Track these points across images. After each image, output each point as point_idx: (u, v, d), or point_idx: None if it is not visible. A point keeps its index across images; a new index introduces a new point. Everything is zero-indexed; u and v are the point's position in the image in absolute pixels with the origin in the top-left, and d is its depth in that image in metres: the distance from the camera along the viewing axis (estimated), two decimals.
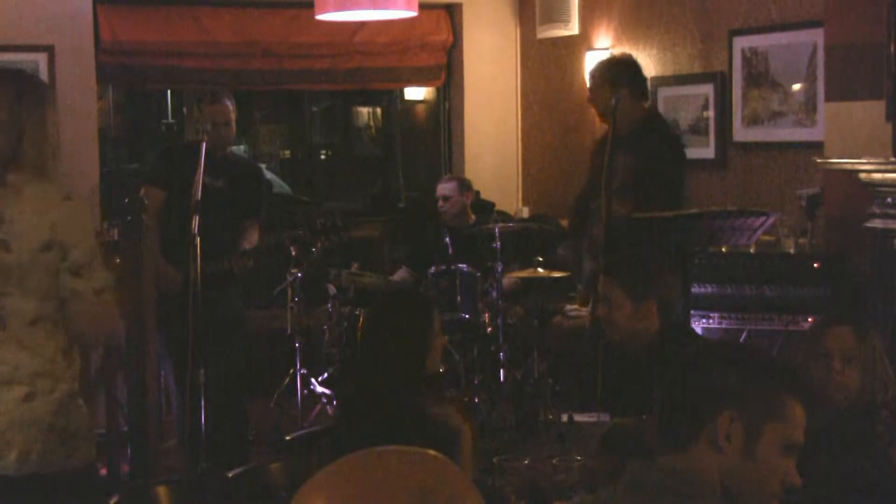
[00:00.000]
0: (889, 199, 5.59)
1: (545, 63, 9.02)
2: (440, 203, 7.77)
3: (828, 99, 6.24)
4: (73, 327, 3.44)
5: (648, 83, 7.83)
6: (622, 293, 4.19)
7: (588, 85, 6.13)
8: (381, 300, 4.50)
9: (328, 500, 1.50)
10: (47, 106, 3.52)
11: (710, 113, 7.41)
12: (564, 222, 7.76)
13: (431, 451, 1.58)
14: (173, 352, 5.86)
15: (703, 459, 2.29)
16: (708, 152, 7.44)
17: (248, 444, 6.35)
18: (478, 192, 8.26)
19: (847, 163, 5.83)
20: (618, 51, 8.11)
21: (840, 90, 6.10)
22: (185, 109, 10.95)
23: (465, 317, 7.04)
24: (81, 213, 3.48)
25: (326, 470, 1.56)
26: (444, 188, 7.81)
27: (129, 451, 5.72)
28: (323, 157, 13.22)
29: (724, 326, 6.06)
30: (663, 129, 5.96)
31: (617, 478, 2.35)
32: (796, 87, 6.81)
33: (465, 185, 7.87)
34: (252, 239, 6.33)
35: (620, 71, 5.99)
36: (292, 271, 7.24)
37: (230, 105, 6.10)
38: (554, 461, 3.38)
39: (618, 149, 5.84)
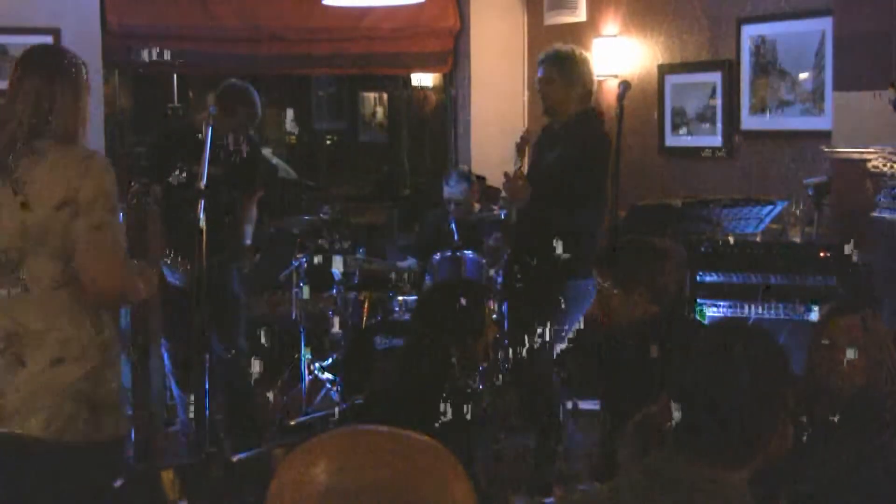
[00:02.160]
0: None
1: None
2: (452, 207, 7.71)
3: (836, 88, 6.22)
4: (84, 283, 3.44)
5: (656, 70, 7.85)
6: (611, 283, 4.19)
7: (542, 73, 6.06)
8: (438, 286, 4.57)
9: (314, 467, 1.50)
10: (81, 81, 3.61)
11: (718, 101, 7.39)
12: None
13: (427, 437, 1.58)
14: (172, 336, 5.88)
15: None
16: (715, 140, 7.42)
17: (260, 427, 6.35)
18: (483, 178, 8.24)
19: (855, 152, 5.81)
20: (620, 38, 8.10)
21: (848, 79, 6.08)
22: (190, 94, 10.93)
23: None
24: (97, 169, 3.50)
25: (318, 439, 1.55)
26: (455, 191, 7.74)
27: (132, 436, 5.73)
28: (329, 142, 13.20)
29: (729, 315, 6.05)
30: (597, 126, 5.94)
31: (637, 466, 2.32)
32: (804, 75, 6.79)
33: (472, 182, 7.84)
34: (251, 215, 6.42)
35: (580, 70, 5.98)
36: (298, 256, 7.24)
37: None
38: (558, 448, 3.38)
39: (553, 143, 5.90)
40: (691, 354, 2.30)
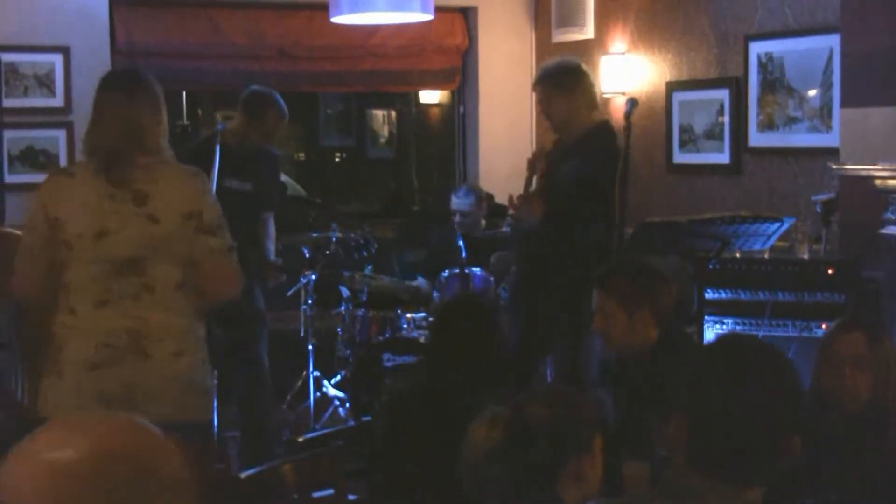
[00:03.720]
0: None
1: None
2: (458, 218, 7.73)
3: (843, 105, 6.22)
4: (204, 285, 3.90)
5: (664, 87, 7.86)
6: (615, 305, 4.18)
7: (540, 93, 6.01)
8: (450, 304, 4.58)
9: (35, 465, 1.52)
10: (161, 100, 4.00)
11: (726, 118, 7.39)
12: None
13: (153, 428, 1.60)
14: None
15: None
16: (723, 157, 7.42)
17: (270, 444, 6.36)
18: (491, 196, 8.25)
19: (862, 169, 5.81)
20: (628, 56, 8.11)
21: (856, 96, 6.08)
22: (199, 111, 10.96)
23: None
24: (208, 186, 4.00)
25: (38, 432, 1.57)
26: (462, 203, 7.76)
27: None
28: (337, 159, 13.23)
29: (739, 332, 6.05)
30: (611, 139, 5.88)
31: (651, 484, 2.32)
32: (812, 92, 6.80)
33: (481, 198, 7.85)
34: (271, 232, 6.49)
35: (576, 79, 5.94)
36: (306, 273, 7.25)
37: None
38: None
39: (567, 157, 5.84)
40: (703, 371, 2.29)
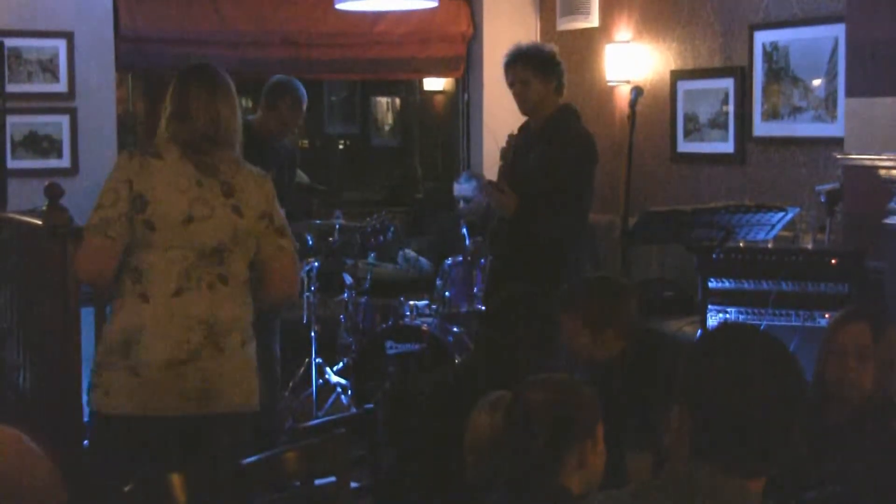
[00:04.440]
0: None
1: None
2: (461, 204, 7.73)
3: (848, 94, 6.20)
4: (269, 284, 3.98)
5: (668, 76, 7.85)
6: (580, 324, 4.15)
7: (516, 74, 5.91)
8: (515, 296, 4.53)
9: None
10: (234, 94, 4.01)
11: (730, 107, 7.39)
12: None
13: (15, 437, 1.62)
14: None
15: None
16: (727, 147, 7.42)
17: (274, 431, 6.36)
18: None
19: (867, 158, 5.80)
20: (632, 44, 8.09)
21: (861, 86, 6.06)
22: None
23: (482, 308, 7.04)
24: (275, 191, 4.05)
25: None
26: (464, 189, 7.77)
27: None
28: (341, 146, 13.21)
29: (740, 322, 6.04)
30: (576, 123, 5.86)
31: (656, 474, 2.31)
32: (817, 82, 6.79)
33: (484, 186, 7.84)
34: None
35: (553, 65, 5.89)
36: (309, 260, 7.25)
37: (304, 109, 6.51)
38: None
39: (534, 143, 5.82)
40: (704, 361, 2.29)
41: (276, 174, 6.28)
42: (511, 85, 5.96)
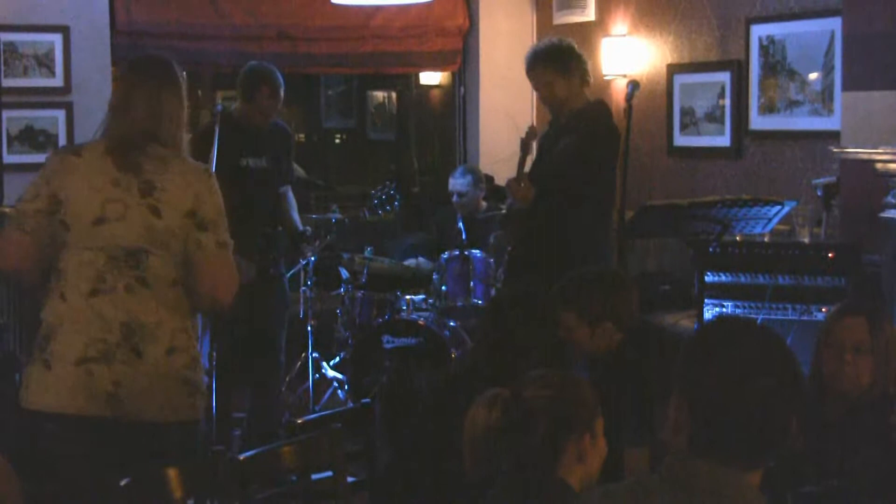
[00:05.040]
0: None
1: None
2: (455, 198, 7.74)
3: (845, 88, 6.20)
4: (196, 285, 3.75)
5: (665, 70, 7.84)
6: (576, 318, 4.15)
7: (537, 75, 5.95)
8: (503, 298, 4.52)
9: None
10: (184, 92, 3.89)
11: (727, 101, 7.38)
12: None
13: None
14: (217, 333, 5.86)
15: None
16: (724, 140, 7.41)
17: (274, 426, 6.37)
18: (491, 178, 8.25)
19: (863, 152, 5.80)
20: (629, 38, 8.09)
21: (857, 80, 6.06)
22: (199, 92, 10.93)
23: (478, 302, 7.05)
24: (216, 186, 3.83)
25: None
26: (459, 184, 7.79)
27: None
28: (337, 140, 13.21)
29: (737, 315, 6.04)
30: (607, 117, 5.86)
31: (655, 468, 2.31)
32: (813, 75, 6.78)
33: (478, 178, 7.85)
34: (293, 204, 6.51)
35: (574, 59, 5.90)
36: (307, 254, 7.25)
37: (282, 95, 6.34)
38: None
39: (562, 135, 5.82)
40: (700, 354, 2.29)
41: (272, 160, 6.32)
42: (536, 89, 5.98)
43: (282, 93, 6.30)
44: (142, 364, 3.68)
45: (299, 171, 9.96)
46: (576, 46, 5.99)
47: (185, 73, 3.96)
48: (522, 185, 5.71)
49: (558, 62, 5.86)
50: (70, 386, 3.66)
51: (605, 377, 4.06)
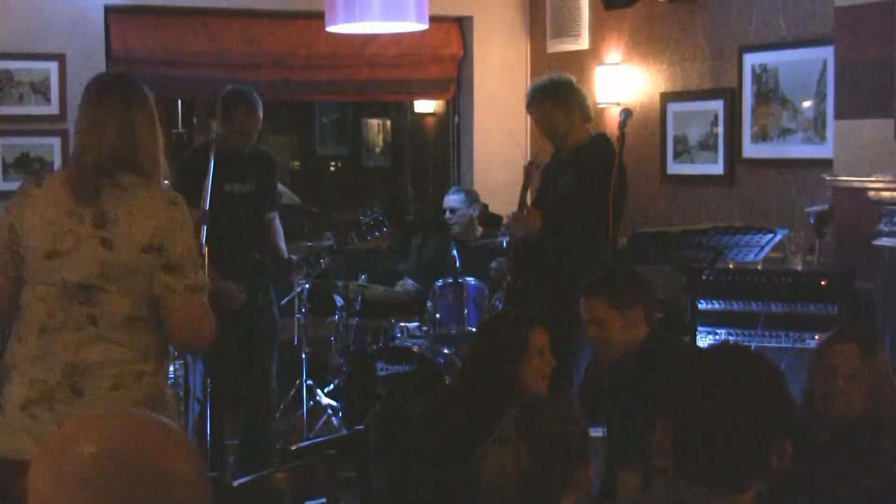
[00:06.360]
0: None
1: None
2: (447, 214, 7.79)
3: (837, 116, 6.24)
4: (168, 329, 3.50)
5: (658, 98, 7.87)
6: (606, 307, 4.20)
7: (537, 110, 6.02)
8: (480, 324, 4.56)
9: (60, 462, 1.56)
10: (154, 111, 3.64)
11: (720, 129, 7.41)
12: None
13: (164, 419, 1.63)
14: (209, 360, 5.83)
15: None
16: (717, 168, 7.44)
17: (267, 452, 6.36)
18: (486, 206, 8.27)
19: (856, 180, 5.83)
20: (622, 66, 8.12)
21: (850, 108, 6.10)
22: (194, 120, 10.96)
23: (472, 330, 7.05)
24: (184, 218, 3.54)
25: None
26: (452, 200, 7.84)
27: None
28: (332, 168, 13.23)
29: (730, 342, 6.05)
30: (610, 151, 5.89)
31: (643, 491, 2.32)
32: (806, 104, 6.81)
33: (472, 198, 7.89)
34: (279, 231, 6.48)
35: (573, 93, 5.97)
36: (300, 282, 7.25)
37: (261, 115, 6.20)
38: None
39: (565, 168, 5.87)
40: (689, 378, 2.30)
41: (257, 185, 6.31)
42: (537, 123, 6.03)
43: (260, 113, 6.17)
44: (81, 402, 3.44)
45: (293, 198, 9.99)
46: (575, 82, 6.05)
47: (153, 94, 3.74)
48: (526, 212, 5.76)
49: (558, 97, 5.93)
50: (16, 430, 3.48)
51: (622, 388, 4.08)
